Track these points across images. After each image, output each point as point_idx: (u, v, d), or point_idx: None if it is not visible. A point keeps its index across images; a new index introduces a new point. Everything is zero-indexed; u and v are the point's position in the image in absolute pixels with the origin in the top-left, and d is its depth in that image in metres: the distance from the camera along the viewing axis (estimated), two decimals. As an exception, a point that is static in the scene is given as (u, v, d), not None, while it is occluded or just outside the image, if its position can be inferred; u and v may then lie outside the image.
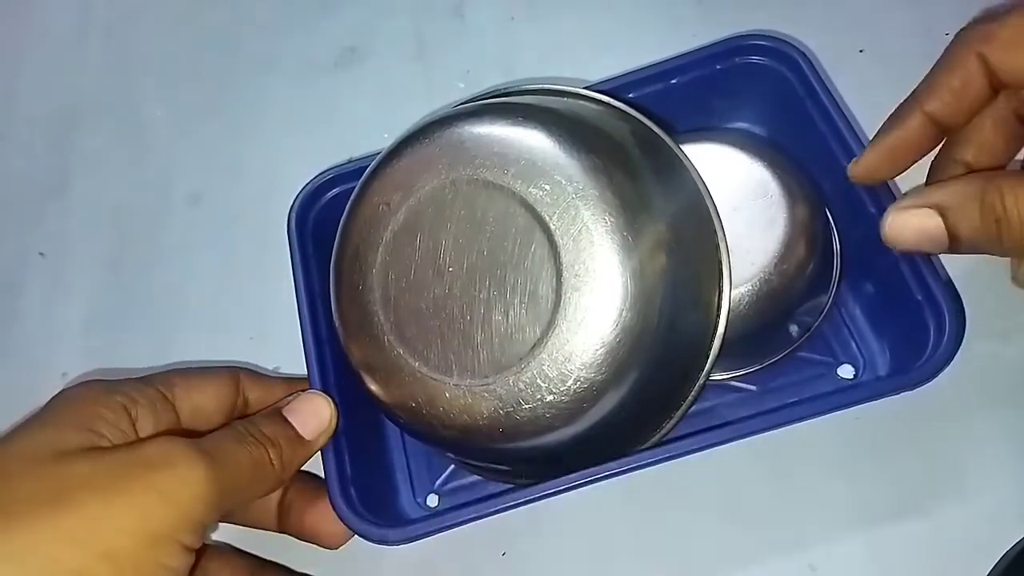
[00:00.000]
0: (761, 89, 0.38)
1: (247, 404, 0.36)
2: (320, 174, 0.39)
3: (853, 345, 0.37)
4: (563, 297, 0.30)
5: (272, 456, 0.31)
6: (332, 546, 0.35)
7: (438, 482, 0.38)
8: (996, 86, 0.31)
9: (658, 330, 0.30)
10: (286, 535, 0.35)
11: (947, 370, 0.31)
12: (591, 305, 0.29)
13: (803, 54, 0.37)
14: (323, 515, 0.33)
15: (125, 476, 0.27)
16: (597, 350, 0.29)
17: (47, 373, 0.43)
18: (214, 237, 0.47)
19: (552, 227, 0.30)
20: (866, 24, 0.45)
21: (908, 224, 0.30)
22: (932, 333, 0.32)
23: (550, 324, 0.30)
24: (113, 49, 0.54)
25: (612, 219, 0.30)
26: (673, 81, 0.38)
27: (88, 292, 0.46)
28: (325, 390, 0.34)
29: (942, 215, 0.29)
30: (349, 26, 0.52)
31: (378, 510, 0.34)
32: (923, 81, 0.33)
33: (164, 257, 0.47)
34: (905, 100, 0.33)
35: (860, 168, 0.33)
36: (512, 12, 0.50)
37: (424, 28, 0.51)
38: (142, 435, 0.30)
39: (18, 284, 0.47)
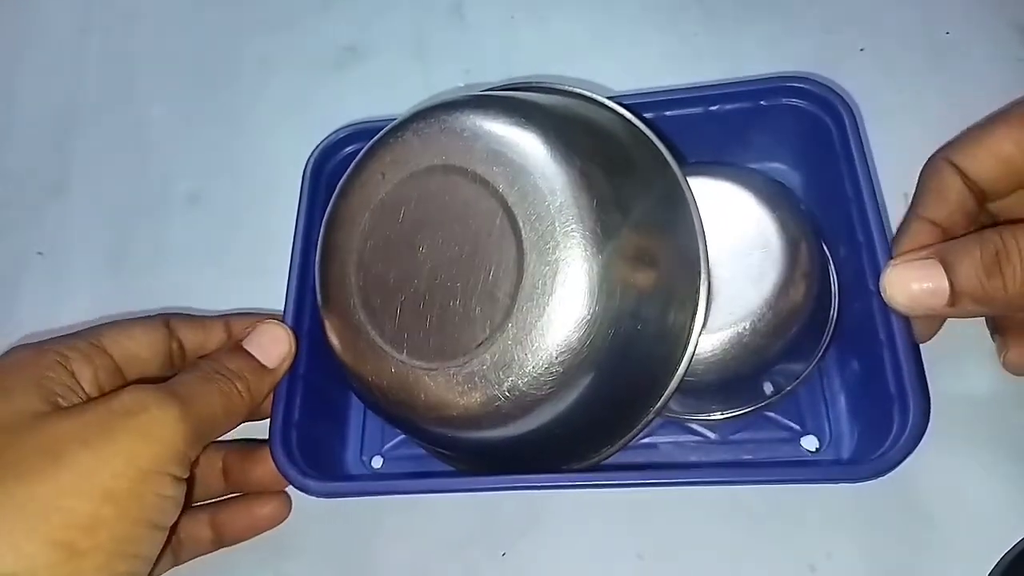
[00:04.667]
0: (800, 134, 0.37)
1: (182, 347, 0.36)
2: (340, 128, 0.40)
3: (824, 418, 0.35)
4: (517, 306, 0.30)
5: (240, 388, 0.33)
6: (280, 487, 0.37)
7: (387, 446, 0.39)
8: (971, 187, 0.32)
9: (610, 358, 0.30)
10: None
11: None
12: (542, 319, 0.29)
13: (849, 109, 0.35)
14: (264, 466, 0.36)
15: (107, 427, 0.29)
16: (536, 365, 0.29)
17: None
18: (214, 236, 0.46)
19: (524, 235, 0.30)
20: (866, 23, 0.44)
21: (907, 276, 0.30)
22: (894, 430, 0.30)
23: (499, 328, 0.30)
24: (113, 49, 0.55)
25: (585, 242, 0.29)
26: (712, 108, 0.37)
27: (87, 292, 0.46)
28: (297, 330, 0.36)
29: (942, 261, 0.29)
30: (348, 25, 0.52)
31: (317, 459, 0.35)
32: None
33: (163, 257, 0.46)
34: (905, 215, 0.34)
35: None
36: (512, 11, 0.50)
37: (424, 27, 0.51)
38: (84, 385, 0.32)
39: (17, 284, 0.47)
